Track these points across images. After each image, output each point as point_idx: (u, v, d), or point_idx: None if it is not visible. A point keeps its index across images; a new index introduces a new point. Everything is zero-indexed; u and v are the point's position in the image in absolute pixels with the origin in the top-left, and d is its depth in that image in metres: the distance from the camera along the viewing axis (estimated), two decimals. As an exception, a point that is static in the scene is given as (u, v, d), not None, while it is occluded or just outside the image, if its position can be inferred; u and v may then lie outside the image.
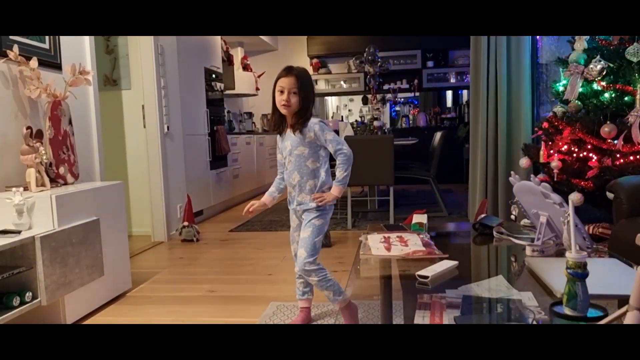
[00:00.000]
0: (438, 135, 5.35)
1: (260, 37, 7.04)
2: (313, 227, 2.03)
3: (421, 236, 1.78)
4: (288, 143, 2.12)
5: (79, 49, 3.11)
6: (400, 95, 8.15)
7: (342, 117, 8.23)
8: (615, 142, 2.91)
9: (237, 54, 7.03)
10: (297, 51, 7.93)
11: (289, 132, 2.13)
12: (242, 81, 6.99)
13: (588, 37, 3.12)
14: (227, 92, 6.42)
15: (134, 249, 3.82)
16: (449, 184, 6.67)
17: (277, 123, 2.16)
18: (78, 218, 2.37)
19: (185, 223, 4.16)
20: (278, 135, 2.22)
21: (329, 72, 8.01)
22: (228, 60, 6.45)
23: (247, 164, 6.40)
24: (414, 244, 1.69)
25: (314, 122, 2.06)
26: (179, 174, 4.46)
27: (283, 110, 2.08)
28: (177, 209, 4.37)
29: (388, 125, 8.03)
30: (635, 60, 2.86)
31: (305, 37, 7.81)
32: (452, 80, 7.83)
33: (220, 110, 5.67)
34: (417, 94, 8.29)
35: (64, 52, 2.91)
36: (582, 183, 3.03)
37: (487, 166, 4.16)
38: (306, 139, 2.07)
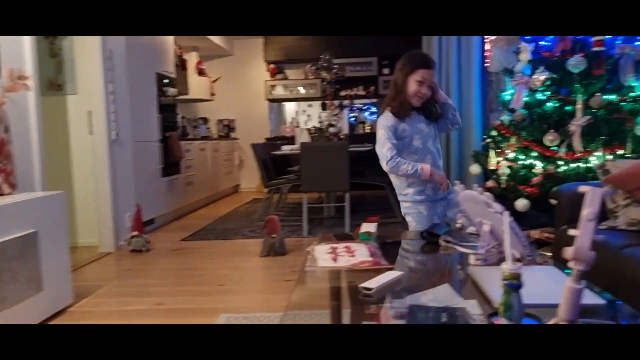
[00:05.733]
0: (393, 142, 5.40)
1: (216, 42, 6.96)
2: None
3: (369, 246, 1.77)
4: (423, 126, 2.24)
5: (18, 53, 2.97)
6: (359, 101, 8.22)
7: (297, 123, 8.20)
8: (559, 149, 3.01)
9: (191, 58, 6.92)
10: (254, 56, 7.87)
11: (415, 116, 2.22)
12: (197, 86, 6.88)
13: (533, 47, 3.22)
14: (181, 97, 6.30)
15: (79, 261, 3.67)
16: (406, 189, 6.75)
17: (405, 108, 2.18)
18: (14, 231, 2.25)
19: (135, 233, 4.03)
20: (390, 118, 2.21)
21: (286, 78, 7.99)
22: (182, 65, 6.34)
23: (201, 171, 6.29)
24: (361, 254, 1.67)
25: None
26: (128, 182, 4.32)
27: (417, 102, 2.14)
28: (126, 219, 4.24)
29: (346, 131, 8.07)
30: (576, 71, 2.97)
31: (262, 42, 7.76)
32: (408, 86, 7.92)
33: (172, 116, 5.55)
34: (375, 100, 8.37)
35: (3, 56, 2.78)
36: (528, 189, 3.11)
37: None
38: (441, 122, 2.29)
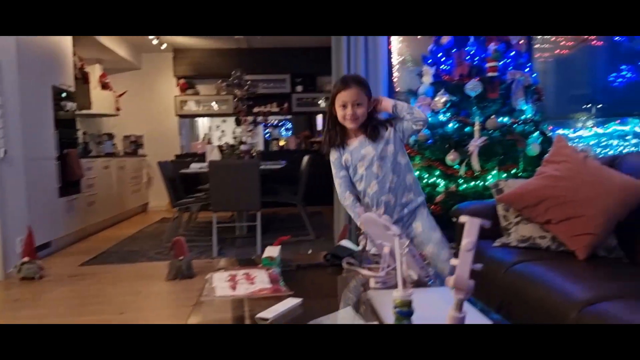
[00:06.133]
0: (305, 159, 5.42)
1: (121, 54, 6.66)
2: (435, 223, 2.03)
3: (270, 272, 1.72)
4: (369, 149, 2.04)
5: None
6: (273, 118, 8.20)
7: (210, 139, 8.03)
8: (459, 168, 3.14)
9: (94, 71, 6.56)
10: (163, 71, 7.62)
11: (360, 141, 2.06)
12: (100, 101, 6.52)
13: (434, 71, 3.36)
14: (82, 112, 5.94)
15: (-43, 293, 3.30)
16: (321, 205, 6.77)
17: (338, 136, 2.06)
18: None
19: (26, 259, 3.70)
20: (334, 151, 2.11)
21: (197, 94, 7.81)
22: (83, 78, 5.98)
23: (105, 190, 5.94)
24: (261, 281, 1.62)
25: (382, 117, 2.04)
26: (19, 203, 3.97)
27: (351, 125, 2.01)
28: (17, 243, 3.88)
29: (261, 148, 8.01)
30: (473, 94, 3.13)
31: (171, 56, 7.55)
32: (323, 104, 8.05)
33: (71, 132, 5.20)
34: (290, 117, 8.40)
35: None
36: (432, 207, 3.22)
37: (349, 190, 4.27)
38: (390, 136, 2.04)
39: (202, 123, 8.90)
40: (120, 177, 6.48)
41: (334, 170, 2.18)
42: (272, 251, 1.88)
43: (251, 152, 5.31)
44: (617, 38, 4.07)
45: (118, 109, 6.99)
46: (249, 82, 5.51)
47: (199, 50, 7.58)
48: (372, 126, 2.06)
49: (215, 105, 7.88)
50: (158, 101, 7.67)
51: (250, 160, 4.87)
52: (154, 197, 7.61)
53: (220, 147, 5.79)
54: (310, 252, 2.51)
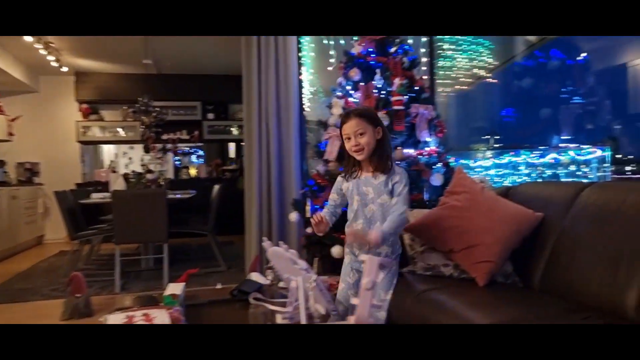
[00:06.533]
0: (216, 188, 5.30)
1: (16, 76, 6.20)
2: (393, 284, 2.02)
3: (172, 311, 1.63)
4: (370, 189, 1.99)
5: None
6: (183, 145, 7.98)
7: (114, 167, 7.65)
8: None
9: (-15, 93, 6.06)
10: (63, 95, 7.19)
11: (366, 177, 2.02)
12: (-9, 125, 6.02)
13: (343, 103, 3.43)
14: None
15: None
16: (232, 235, 6.61)
17: (351, 167, 2.05)
18: None
19: None
20: (342, 178, 2.10)
21: (102, 119, 7.44)
22: (-29, 100, 5.49)
23: (-6, 222, 5.43)
24: (161, 322, 1.52)
25: (400, 169, 1.97)
26: None
27: (359, 156, 1.97)
28: None
29: (171, 176, 7.75)
30: (380, 126, 3.23)
31: (73, 80, 7.15)
32: (235, 132, 7.97)
33: (-46, 158, 4.73)
34: (200, 144, 8.21)
35: None
36: (342, 236, 3.24)
37: (261, 219, 4.22)
38: (388, 185, 1.97)
39: (108, 150, 8.47)
40: (13, 207, 5.95)
41: (334, 188, 2.19)
42: (175, 288, 1.79)
43: (159, 181, 5.10)
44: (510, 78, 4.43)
45: (11, 134, 6.48)
46: (157, 109, 5.34)
47: (104, 75, 7.25)
48: (379, 155, 2.00)
49: (121, 132, 7.54)
50: (57, 126, 7.20)
51: (157, 190, 4.67)
52: (51, 228, 7.07)
53: (126, 175, 5.52)
54: (219, 286, 2.42)
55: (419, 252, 2.43)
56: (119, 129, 7.54)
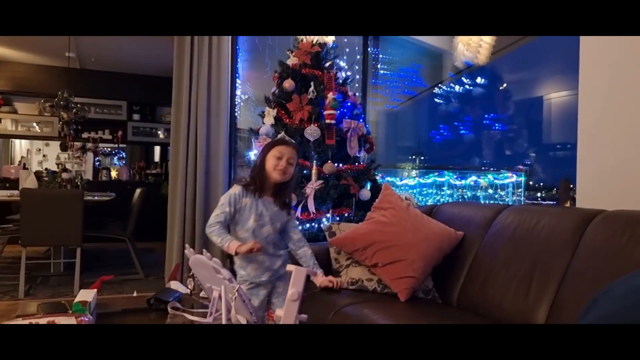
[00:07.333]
0: (138, 192, 5.08)
1: None
2: None
3: (81, 319, 1.51)
4: (268, 213, 2.12)
5: None
6: (104, 145, 7.61)
7: (24, 164, 7.15)
8: (296, 210, 3.19)
9: None
10: (-27, 83, 6.66)
11: (268, 201, 2.13)
12: None
13: (275, 113, 3.40)
14: None
15: None
16: (152, 241, 6.34)
17: (257, 184, 2.10)
18: None
19: None
20: (241, 189, 2.11)
21: (15, 112, 6.94)
22: None
23: None
24: (68, 331, 1.41)
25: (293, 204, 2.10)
26: None
27: (278, 176, 2.06)
28: None
29: (89, 177, 7.34)
30: (311, 139, 3.24)
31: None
32: (161, 135, 7.72)
33: None
34: (124, 145, 7.86)
35: None
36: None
37: (184, 227, 4.07)
38: (284, 218, 2.18)
39: (20, 145, 7.91)
40: None
41: (222, 200, 2.12)
42: (86, 295, 1.67)
43: (75, 181, 4.81)
44: (436, 100, 4.61)
45: None
46: (78, 105, 5.05)
47: (22, 65, 6.79)
48: (286, 188, 2.16)
49: (36, 127, 7.07)
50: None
51: (73, 190, 4.40)
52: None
53: (39, 173, 5.16)
54: (135, 294, 2.30)
55: (344, 265, 2.44)
56: (34, 124, 7.07)
